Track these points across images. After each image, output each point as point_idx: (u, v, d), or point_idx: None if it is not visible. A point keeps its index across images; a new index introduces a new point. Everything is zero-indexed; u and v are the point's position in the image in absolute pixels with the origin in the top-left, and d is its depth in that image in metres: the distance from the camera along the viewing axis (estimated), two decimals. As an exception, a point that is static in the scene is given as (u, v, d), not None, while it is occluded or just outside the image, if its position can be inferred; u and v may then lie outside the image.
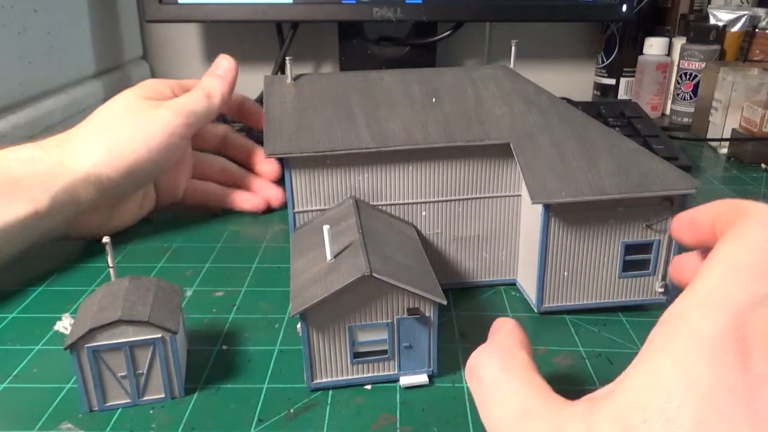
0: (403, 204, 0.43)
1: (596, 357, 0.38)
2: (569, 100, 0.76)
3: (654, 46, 0.90)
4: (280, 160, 0.43)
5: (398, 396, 0.35)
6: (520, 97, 0.45)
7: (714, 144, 0.79)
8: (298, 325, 0.34)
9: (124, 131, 0.49)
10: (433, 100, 0.44)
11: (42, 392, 0.35)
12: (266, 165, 0.61)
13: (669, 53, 0.92)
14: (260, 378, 0.36)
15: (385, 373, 0.36)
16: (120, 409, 0.34)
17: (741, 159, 0.74)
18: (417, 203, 0.43)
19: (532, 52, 1.01)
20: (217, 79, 0.55)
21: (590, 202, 0.39)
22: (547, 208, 0.40)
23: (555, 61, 1.03)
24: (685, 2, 0.96)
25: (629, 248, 0.41)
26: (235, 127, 0.67)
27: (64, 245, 0.52)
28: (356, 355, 0.35)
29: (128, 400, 0.34)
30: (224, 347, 0.39)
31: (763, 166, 0.72)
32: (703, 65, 0.85)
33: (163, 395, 0.34)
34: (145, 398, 0.34)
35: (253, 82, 0.86)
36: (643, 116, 0.75)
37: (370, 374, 0.35)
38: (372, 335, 0.34)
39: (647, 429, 0.17)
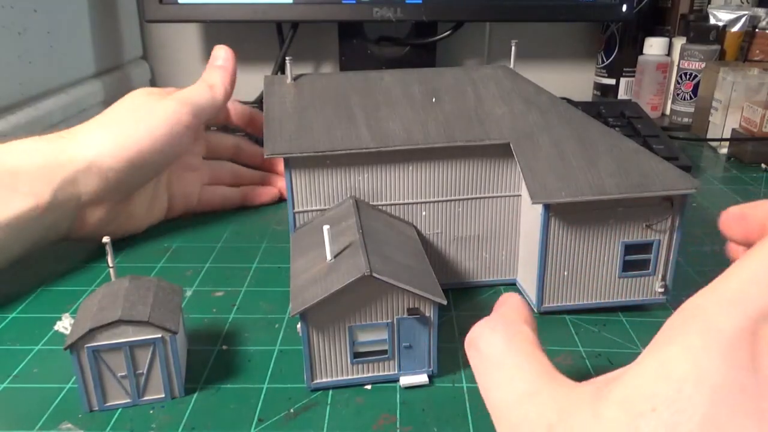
0: (403, 204, 0.43)
1: (596, 357, 0.38)
2: (569, 100, 0.76)
3: (654, 46, 0.90)
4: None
5: (398, 396, 0.35)
6: (520, 97, 0.45)
7: (714, 144, 0.79)
8: (298, 325, 0.34)
9: (128, 121, 0.49)
10: (433, 100, 0.44)
11: (42, 392, 0.35)
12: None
13: (669, 53, 0.92)
14: (260, 378, 0.36)
15: (385, 373, 0.36)
16: (120, 409, 0.34)
17: (741, 159, 0.74)
18: (417, 203, 0.43)
19: (532, 52, 1.01)
20: (218, 70, 0.56)
21: (590, 202, 0.39)
22: (547, 208, 0.40)
23: (555, 61, 1.03)
24: (685, 2, 0.96)
25: (629, 248, 0.41)
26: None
27: (65, 245, 0.51)
28: (356, 355, 0.35)
29: (128, 400, 0.34)
30: (224, 347, 0.39)
31: (763, 166, 0.72)
32: (703, 65, 0.85)
33: (163, 395, 0.34)
34: (145, 398, 0.34)
35: (253, 82, 0.87)
36: (643, 116, 0.75)
37: (370, 374, 0.35)
38: (372, 335, 0.34)
39: (655, 417, 0.17)
